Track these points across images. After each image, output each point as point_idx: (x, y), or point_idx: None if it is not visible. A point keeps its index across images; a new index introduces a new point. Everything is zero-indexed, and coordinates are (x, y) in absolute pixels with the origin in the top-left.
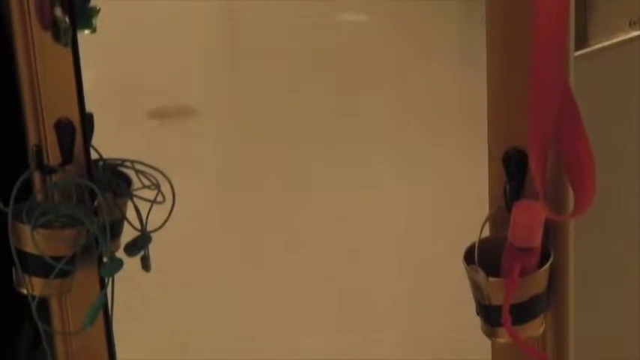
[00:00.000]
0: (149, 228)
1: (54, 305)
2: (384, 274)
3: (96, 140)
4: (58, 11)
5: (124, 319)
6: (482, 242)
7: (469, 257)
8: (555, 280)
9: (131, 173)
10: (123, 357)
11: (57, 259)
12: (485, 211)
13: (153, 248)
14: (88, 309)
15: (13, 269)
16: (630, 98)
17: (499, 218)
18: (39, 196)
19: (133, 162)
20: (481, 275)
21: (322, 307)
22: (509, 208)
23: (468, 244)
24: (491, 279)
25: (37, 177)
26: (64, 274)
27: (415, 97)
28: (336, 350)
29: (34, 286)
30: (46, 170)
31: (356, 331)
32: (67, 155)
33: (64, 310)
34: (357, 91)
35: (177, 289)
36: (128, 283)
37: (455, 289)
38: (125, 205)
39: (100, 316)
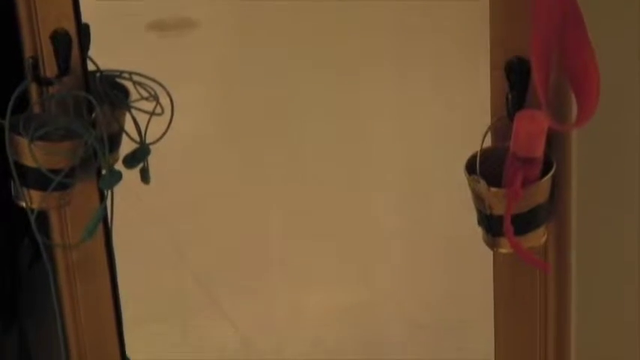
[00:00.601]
0: (148, 140)
1: (53, 218)
2: (386, 184)
3: (93, 52)
4: None
5: (123, 231)
6: (484, 152)
7: (471, 167)
8: (557, 190)
9: (129, 85)
10: (123, 268)
11: (55, 171)
12: (487, 121)
13: (152, 160)
14: (88, 222)
15: (12, 182)
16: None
17: (501, 128)
18: (36, 109)
19: (130, 73)
20: (483, 185)
21: (323, 223)
22: (511, 118)
23: (469, 154)
24: (492, 189)
25: (33, 89)
26: (62, 187)
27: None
28: (339, 269)
29: (32, 199)
30: (43, 82)
31: (357, 242)
32: (64, 67)
33: (63, 223)
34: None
35: (177, 201)
36: (128, 196)
37: (457, 200)
38: (123, 117)
39: (100, 229)
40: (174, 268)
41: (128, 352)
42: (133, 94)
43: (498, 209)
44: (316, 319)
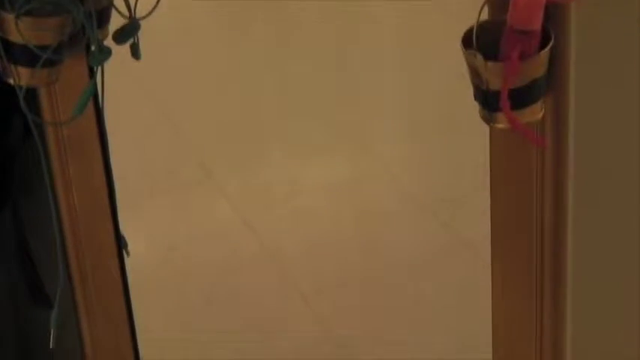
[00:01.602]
0: (138, 15)
1: (43, 96)
2: (384, 65)
3: None
4: None
5: (116, 108)
6: (481, 25)
7: (467, 41)
8: (555, 64)
9: None
10: (116, 145)
11: (43, 48)
12: None
13: (142, 36)
14: (78, 99)
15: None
16: None
17: (498, 0)
18: None
19: None
20: (479, 59)
21: (320, 97)
22: None
23: (465, 27)
24: (489, 63)
25: None
26: (51, 63)
27: None
28: (335, 143)
29: (20, 76)
30: None
31: (353, 116)
32: None
33: (53, 100)
34: None
35: (170, 77)
36: (119, 72)
37: (453, 75)
38: None
39: (91, 106)
40: (168, 144)
41: (123, 229)
42: None
43: (495, 84)
44: (312, 193)
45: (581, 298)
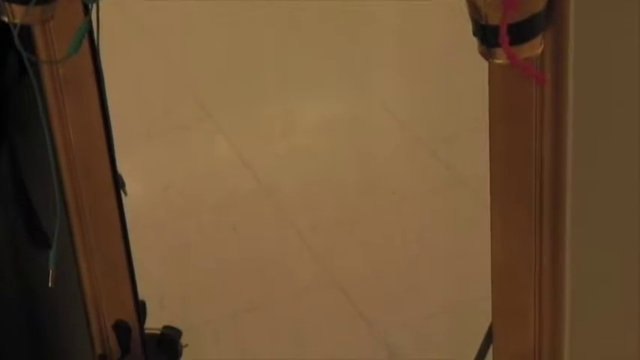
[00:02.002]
0: None
1: (38, 34)
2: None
3: None
4: None
5: (112, 46)
6: None
7: None
8: None
9: None
10: (112, 84)
11: None
12: None
13: None
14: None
15: None
16: None
17: None
18: None
19: None
20: None
21: (318, 33)
22: None
23: None
24: None
25: None
26: (44, 0)
27: None
28: (334, 80)
29: (14, 14)
30: None
31: (353, 53)
32: None
33: (48, 38)
34: None
35: (167, 14)
36: (115, 10)
37: (451, 11)
38: None
39: (86, 44)
40: (165, 82)
41: (120, 169)
42: None
43: (494, 18)
44: (310, 130)
45: (580, 237)
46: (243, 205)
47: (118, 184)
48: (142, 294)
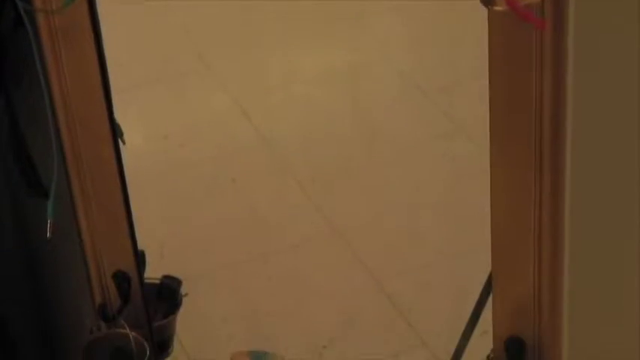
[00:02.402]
0: None
1: None
2: None
3: None
4: None
5: None
6: None
7: None
8: None
9: None
10: (109, 33)
11: None
12: None
13: None
14: None
15: None
16: None
17: None
18: None
19: None
20: None
21: None
22: None
23: None
24: None
25: None
26: None
27: None
28: (332, 30)
29: None
30: None
31: (355, 8)
32: None
33: None
34: None
35: None
36: None
37: None
38: None
39: None
40: (164, 33)
41: (118, 118)
42: None
43: None
44: (309, 80)
45: (581, 182)
46: (242, 155)
47: (116, 133)
48: (142, 244)
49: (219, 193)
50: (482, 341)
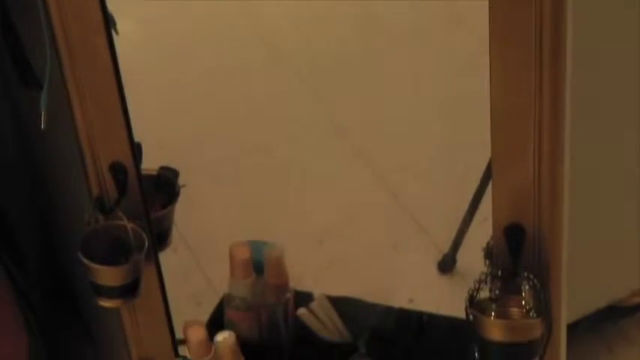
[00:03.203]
0: None
1: None
2: None
3: None
4: None
5: None
6: None
7: None
8: None
9: None
10: None
11: None
12: None
13: None
14: None
15: None
16: None
17: None
18: None
19: None
20: None
21: None
22: None
23: None
24: None
25: None
26: None
27: None
28: None
29: None
30: None
31: None
32: None
33: None
34: None
35: None
36: None
37: None
38: None
39: None
40: None
41: (110, 7)
42: None
43: None
44: None
45: (581, 71)
46: (239, 46)
47: (109, 22)
48: (139, 137)
49: (218, 85)
50: (482, 229)
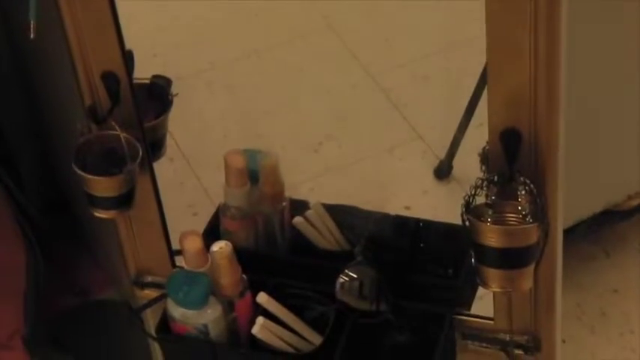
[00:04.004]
0: None
1: None
2: None
3: None
4: None
5: None
6: None
7: None
8: None
9: None
10: None
11: None
12: None
13: None
14: None
15: None
16: None
17: None
18: None
19: None
20: None
21: None
22: None
23: None
24: None
25: None
26: None
27: None
28: None
29: None
30: None
31: None
32: None
33: None
34: None
35: None
36: None
37: None
38: None
39: None
40: None
41: None
42: None
43: None
44: None
45: None
46: None
47: None
48: (131, 44)
49: None
50: (478, 133)
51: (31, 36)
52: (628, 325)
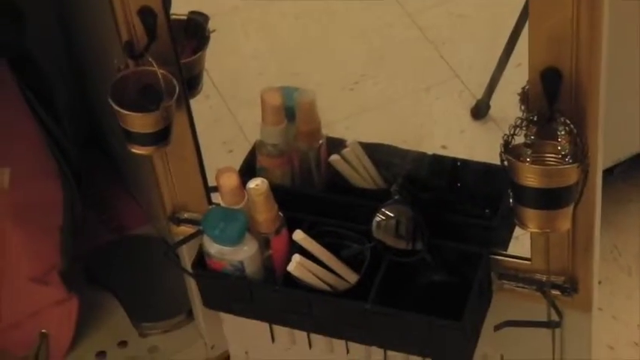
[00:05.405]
0: None
1: None
2: None
3: None
4: None
5: None
6: None
7: None
8: None
9: None
10: None
11: None
12: None
13: None
14: None
15: None
16: None
17: None
18: None
19: None
20: None
21: None
22: None
23: None
24: None
25: None
26: None
27: None
28: None
29: None
30: None
31: None
32: None
33: None
34: None
35: None
36: None
37: None
38: None
39: None
40: None
41: None
42: None
43: None
44: None
45: None
46: None
47: None
48: None
49: None
50: (517, 73)
51: None
52: None
